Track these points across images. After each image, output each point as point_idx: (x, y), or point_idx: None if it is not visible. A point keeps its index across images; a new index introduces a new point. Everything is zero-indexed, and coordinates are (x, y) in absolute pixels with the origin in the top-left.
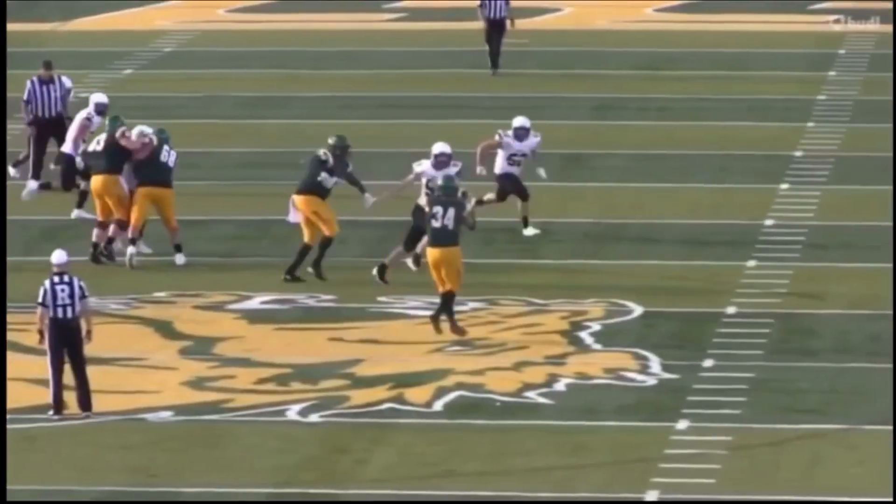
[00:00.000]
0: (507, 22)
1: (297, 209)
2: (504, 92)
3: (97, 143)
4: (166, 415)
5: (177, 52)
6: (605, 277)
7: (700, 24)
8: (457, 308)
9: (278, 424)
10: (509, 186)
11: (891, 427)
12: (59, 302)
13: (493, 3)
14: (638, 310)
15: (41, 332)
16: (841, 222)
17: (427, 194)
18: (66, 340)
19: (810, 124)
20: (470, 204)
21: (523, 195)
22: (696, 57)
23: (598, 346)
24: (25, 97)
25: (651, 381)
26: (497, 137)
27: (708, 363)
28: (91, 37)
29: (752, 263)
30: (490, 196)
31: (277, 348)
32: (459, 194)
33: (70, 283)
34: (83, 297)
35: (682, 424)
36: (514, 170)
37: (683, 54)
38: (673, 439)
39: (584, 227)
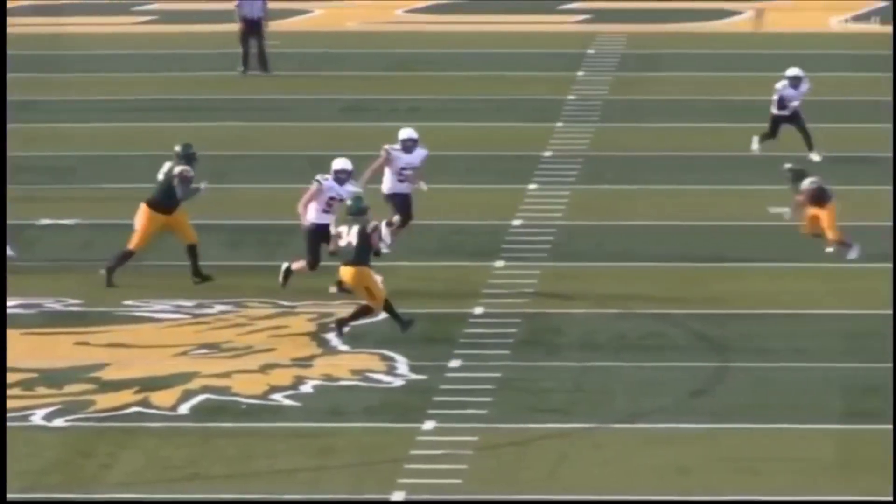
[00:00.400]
0: (264, 23)
1: (143, 219)
2: (254, 94)
3: None
4: None
5: None
6: None
7: (450, 25)
8: (203, 311)
9: (23, 429)
10: (400, 207)
11: (632, 425)
12: None
13: (248, 3)
14: None
15: None
16: (589, 222)
17: (325, 210)
18: None
19: (559, 124)
20: (372, 226)
21: (406, 219)
22: (445, 58)
23: (345, 348)
24: None
25: (398, 382)
26: (383, 153)
27: (455, 363)
28: None
29: (500, 264)
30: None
31: (23, 353)
32: (368, 216)
33: None
34: None
35: (429, 425)
36: (404, 188)
37: (433, 55)
38: (420, 440)
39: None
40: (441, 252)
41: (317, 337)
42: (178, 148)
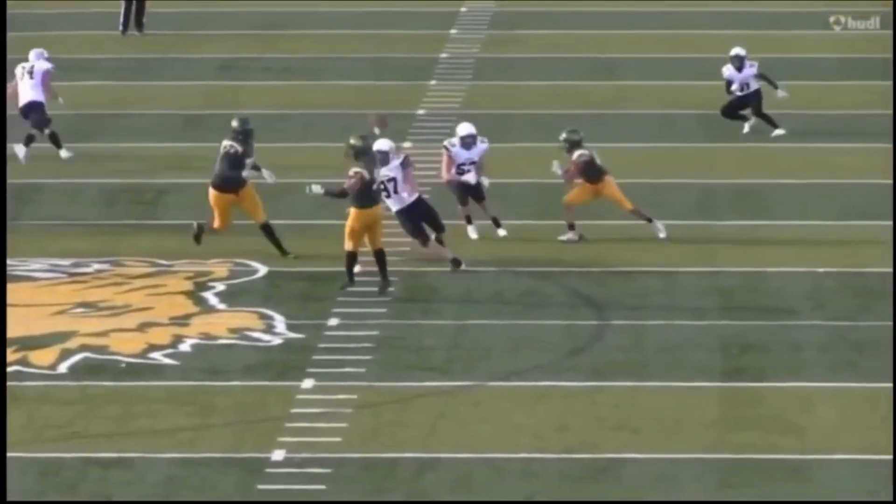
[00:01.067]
0: None
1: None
2: (129, 53)
3: None
4: None
5: None
6: (229, 237)
7: None
8: (80, 270)
9: None
10: (463, 190)
11: (510, 383)
12: None
13: None
14: (262, 269)
15: None
16: None
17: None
18: None
19: (433, 82)
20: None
21: (479, 197)
22: (317, 16)
23: (222, 307)
24: None
25: (276, 341)
26: (445, 152)
27: (333, 322)
28: None
29: None
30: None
31: None
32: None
33: None
34: None
35: (308, 383)
36: (464, 178)
37: (304, 14)
38: (299, 398)
39: (206, 187)
40: (316, 210)
41: (194, 295)
42: (234, 123)
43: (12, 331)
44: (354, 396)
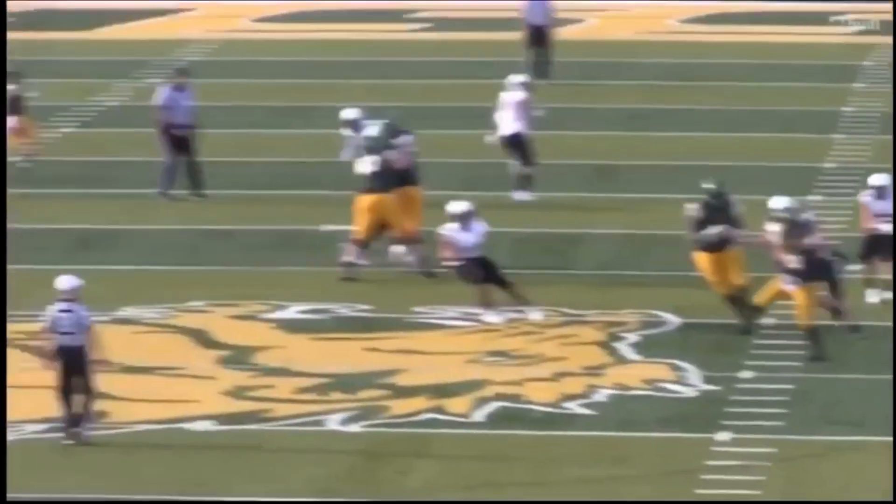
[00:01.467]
0: (549, 31)
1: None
2: (536, 102)
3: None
4: (207, 424)
5: (202, 61)
6: (640, 288)
7: (724, 36)
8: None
9: (318, 434)
10: (870, 246)
11: None
12: (62, 329)
13: (532, 9)
14: (674, 320)
15: (49, 357)
16: None
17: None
18: (72, 367)
19: (838, 136)
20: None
21: (887, 254)
22: (722, 68)
23: (636, 357)
24: (161, 103)
25: (690, 392)
26: (861, 200)
27: (747, 374)
28: (113, 46)
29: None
30: None
31: (315, 358)
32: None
33: (73, 311)
34: (85, 325)
35: (723, 436)
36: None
37: (710, 65)
38: (714, 450)
39: (618, 237)
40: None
41: (606, 346)
42: (706, 185)
43: (427, 378)
44: (774, 450)
